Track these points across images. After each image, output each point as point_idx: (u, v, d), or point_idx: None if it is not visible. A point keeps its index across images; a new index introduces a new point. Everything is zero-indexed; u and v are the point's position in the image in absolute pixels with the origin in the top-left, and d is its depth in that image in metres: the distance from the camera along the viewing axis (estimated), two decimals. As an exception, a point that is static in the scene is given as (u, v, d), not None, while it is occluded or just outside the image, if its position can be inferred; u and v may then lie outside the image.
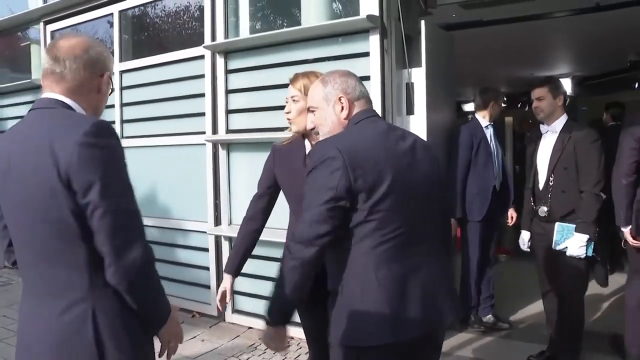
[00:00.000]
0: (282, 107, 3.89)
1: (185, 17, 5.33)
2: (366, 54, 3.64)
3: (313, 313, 2.30)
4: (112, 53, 5.37)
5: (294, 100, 2.39)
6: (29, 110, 1.57)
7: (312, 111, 1.96)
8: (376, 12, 3.54)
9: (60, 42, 1.60)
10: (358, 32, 3.70)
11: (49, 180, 1.40)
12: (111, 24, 5.58)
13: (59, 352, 1.46)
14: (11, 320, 4.83)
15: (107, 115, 5.25)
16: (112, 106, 5.24)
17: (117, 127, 5.07)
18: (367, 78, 3.56)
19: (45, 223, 1.44)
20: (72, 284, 1.47)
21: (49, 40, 6.14)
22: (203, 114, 4.38)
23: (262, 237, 3.29)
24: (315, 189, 1.69)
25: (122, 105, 5.10)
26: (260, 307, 4.09)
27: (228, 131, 4.27)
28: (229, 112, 4.28)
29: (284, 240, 3.83)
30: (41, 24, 6.19)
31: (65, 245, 1.45)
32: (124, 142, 1.87)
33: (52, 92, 1.57)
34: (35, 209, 1.44)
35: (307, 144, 2.40)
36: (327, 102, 1.88)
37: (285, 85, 3.86)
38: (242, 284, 4.30)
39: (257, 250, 4.01)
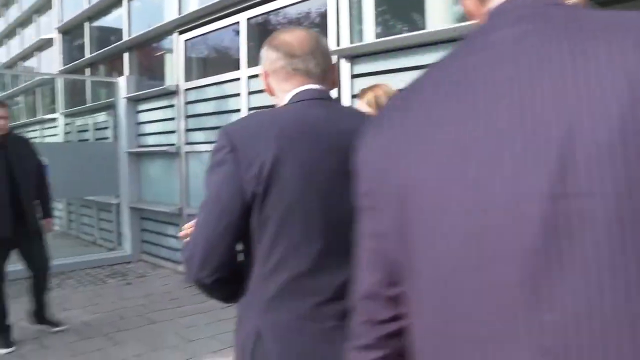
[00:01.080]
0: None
1: (306, 23, 5.48)
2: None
3: None
4: (239, 58, 5.64)
5: None
6: None
7: None
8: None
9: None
10: (487, 34, 3.61)
11: None
12: (238, 32, 5.85)
13: None
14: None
15: (234, 119, 5.51)
16: (238, 111, 5.51)
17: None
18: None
19: None
20: None
21: (182, 49, 6.57)
22: (329, 118, 4.46)
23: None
24: None
25: (249, 109, 5.33)
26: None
27: (354, 135, 4.32)
28: (354, 116, 4.33)
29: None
30: (175, 34, 6.62)
31: None
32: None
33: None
34: None
35: None
36: None
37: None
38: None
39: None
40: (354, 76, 4.33)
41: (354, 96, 4.32)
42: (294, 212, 1.32)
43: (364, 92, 2.41)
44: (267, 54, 1.49)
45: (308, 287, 1.34)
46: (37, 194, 4.46)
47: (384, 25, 4.52)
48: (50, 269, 4.54)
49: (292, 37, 1.47)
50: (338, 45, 4.39)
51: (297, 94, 1.45)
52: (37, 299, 4.50)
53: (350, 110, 1.63)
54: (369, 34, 4.39)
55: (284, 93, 1.47)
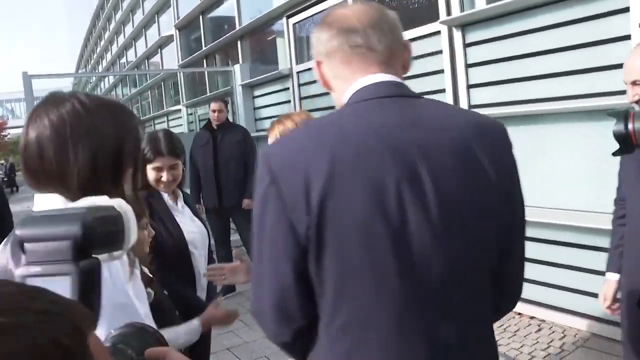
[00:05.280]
0: (531, 78, 3.69)
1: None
2: (625, 10, 3.24)
3: None
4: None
5: None
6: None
7: None
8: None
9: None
10: (616, -16, 3.31)
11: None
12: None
13: None
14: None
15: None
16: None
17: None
18: (628, 37, 3.17)
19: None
20: None
21: (291, 32, 6.65)
22: (443, 91, 4.34)
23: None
24: None
25: (362, 88, 5.30)
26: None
27: (470, 107, 4.16)
28: (470, 87, 4.17)
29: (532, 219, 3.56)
30: (284, 18, 6.73)
31: None
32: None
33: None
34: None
35: None
36: None
37: (534, 54, 3.68)
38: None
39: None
40: (467, 45, 4.15)
41: (468, 66, 4.16)
42: (359, 263, 1.00)
43: (272, 126, 2.18)
44: (319, 35, 1.18)
45: None
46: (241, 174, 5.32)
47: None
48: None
49: (348, 10, 1.17)
50: (449, 14, 4.23)
51: (358, 91, 1.13)
52: None
53: (443, 108, 1.18)
54: (480, 0, 4.18)
55: (344, 84, 1.16)
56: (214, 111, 5.53)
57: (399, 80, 1.15)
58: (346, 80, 1.15)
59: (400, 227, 0.99)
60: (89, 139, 1.11)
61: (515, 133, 4.01)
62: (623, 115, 1.50)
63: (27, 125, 1.13)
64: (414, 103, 1.12)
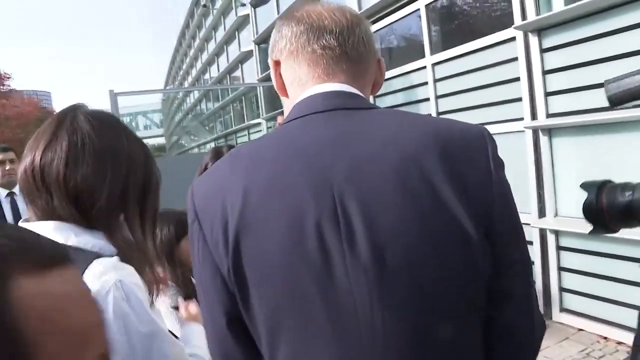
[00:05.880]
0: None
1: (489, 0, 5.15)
2: None
3: None
4: (423, 46, 5.48)
5: None
6: None
7: None
8: None
9: None
10: None
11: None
12: (420, 19, 5.71)
13: None
14: None
15: (422, 109, 5.40)
16: (427, 99, 5.37)
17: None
18: None
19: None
20: None
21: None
22: (519, 99, 4.14)
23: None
24: None
25: (437, 97, 5.18)
26: (592, 307, 3.71)
27: (548, 115, 3.94)
28: (547, 94, 3.95)
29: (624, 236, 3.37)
30: (358, 29, 6.69)
31: None
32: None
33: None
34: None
35: None
36: None
37: (616, 57, 3.43)
38: (572, 281, 3.96)
39: (590, 246, 3.66)
40: (543, 50, 3.94)
41: (546, 72, 3.94)
42: (285, 310, 0.86)
43: None
44: (282, 31, 1.00)
45: None
46: None
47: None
48: None
49: (322, 8, 0.99)
50: (524, 19, 4.04)
51: (298, 103, 0.97)
52: None
53: (397, 120, 0.93)
54: (558, 2, 3.95)
55: (298, 90, 0.99)
56: (280, 124, 5.60)
57: (352, 90, 0.96)
58: (302, 85, 0.98)
59: (324, 271, 0.82)
60: (126, 158, 1.07)
61: (597, 142, 3.77)
62: (597, 187, 1.28)
63: (56, 129, 1.03)
64: (360, 116, 0.92)
